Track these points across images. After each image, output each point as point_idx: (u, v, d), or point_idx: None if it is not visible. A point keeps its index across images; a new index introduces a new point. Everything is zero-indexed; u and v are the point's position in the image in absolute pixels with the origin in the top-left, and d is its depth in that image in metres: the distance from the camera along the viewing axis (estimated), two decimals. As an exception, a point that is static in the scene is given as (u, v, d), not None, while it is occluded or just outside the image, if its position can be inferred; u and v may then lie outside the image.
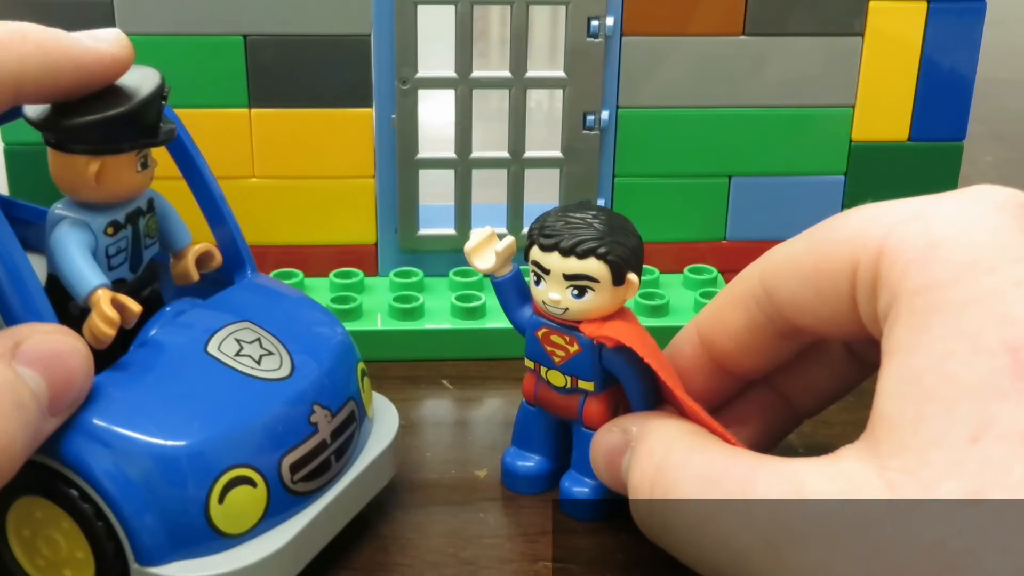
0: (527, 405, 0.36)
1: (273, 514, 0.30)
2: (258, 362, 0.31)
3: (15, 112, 0.32)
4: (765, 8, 0.45)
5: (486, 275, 0.35)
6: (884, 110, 0.47)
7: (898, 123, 0.48)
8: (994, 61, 0.62)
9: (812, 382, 0.35)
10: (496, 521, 0.35)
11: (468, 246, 0.34)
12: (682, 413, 0.33)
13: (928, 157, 0.48)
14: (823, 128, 0.47)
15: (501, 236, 0.35)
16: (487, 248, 0.34)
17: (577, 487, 0.35)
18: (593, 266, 0.32)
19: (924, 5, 0.46)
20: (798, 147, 0.48)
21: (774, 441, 0.36)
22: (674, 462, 0.29)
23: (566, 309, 0.33)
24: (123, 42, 0.30)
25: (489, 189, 0.49)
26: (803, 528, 0.25)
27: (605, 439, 0.33)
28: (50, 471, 0.28)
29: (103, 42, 0.30)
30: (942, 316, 0.25)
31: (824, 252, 0.29)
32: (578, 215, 0.32)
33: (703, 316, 0.34)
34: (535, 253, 0.33)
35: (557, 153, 0.47)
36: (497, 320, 0.45)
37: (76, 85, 0.29)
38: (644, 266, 0.48)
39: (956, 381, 0.24)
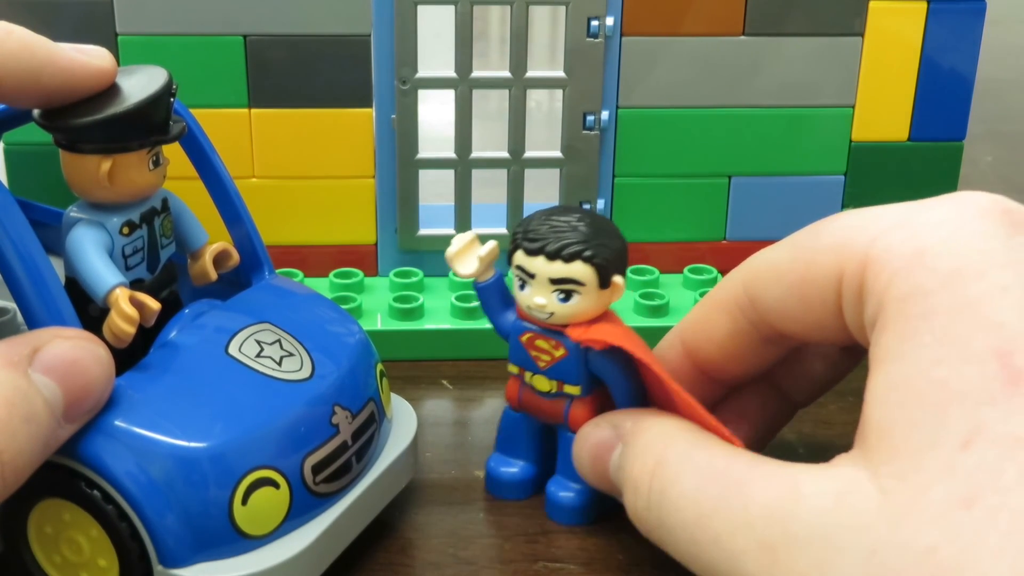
0: (510, 411, 0.36)
1: (296, 515, 0.30)
2: (279, 363, 0.31)
3: (23, 117, 0.32)
4: (765, 8, 0.45)
5: (468, 279, 0.35)
6: (884, 110, 0.47)
7: (898, 123, 0.48)
8: (994, 61, 0.62)
9: (807, 373, 0.35)
10: (496, 521, 0.35)
11: (450, 251, 0.34)
12: (670, 412, 0.33)
13: (928, 157, 0.48)
14: (823, 128, 0.47)
15: (485, 240, 0.34)
16: (469, 253, 0.34)
17: (563, 492, 0.35)
18: (579, 269, 0.32)
19: (924, 5, 0.46)
20: (798, 147, 0.48)
21: (772, 433, 0.36)
22: (675, 457, 0.29)
23: (552, 313, 0.32)
24: (106, 55, 0.30)
25: (489, 189, 0.49)
26: (799, 530, 0.25)
27: (592, 434, 0.33)
28: (73, 473, 0.28)
29: (87, 54, 0.30)
30: (930, 323, 0.25)
31: (808, 261, 0.29)
32: (562, 218, 0.32)
33: (686, 323, 0.34)
34: (519, 258, 0.32)
35: (557, 153, 0.47)
36: (497, 320, 0.45)
37: (57, 90, 0.29)
38: (644, 266, 0.48)
39: (946, 387, 0.24)
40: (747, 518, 0.26)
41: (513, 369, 0.35)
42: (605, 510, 0.35)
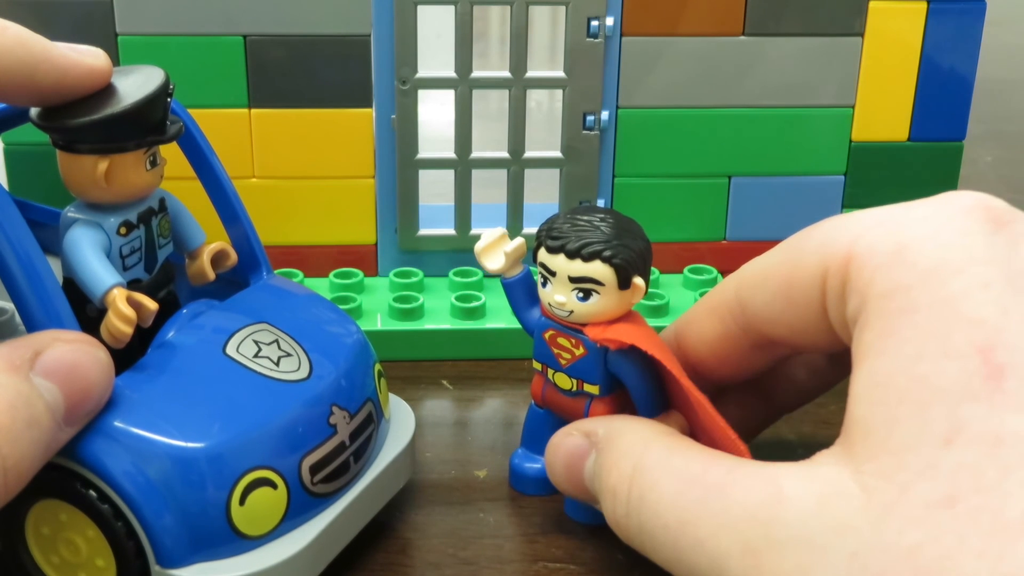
0: (535, 407, 0.36)
1: (293, 516, 0.30)
2: (276, 364, 0.31)
3: (22, 117, 0.32)
4: (765, 8, 0.45)
5: (496, 276, 0.35)
6: (884, 110, 0.47)
7: (898, 123, 0.48)
8: (994, 61, 0.62)
9: (792, 382, 0.35)
10: (496, 521, 0.35)
11: (479, 246, 0.34)
12: (688, 415, 0.33)
13: (928, 157, 0.48)
14: (823, 128, 0.47)
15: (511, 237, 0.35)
16: (497, 249, 0.34)
17: None
18: (598, 269, 0.32)
19: (924, 5, 0.46)
20: (798, 147, 0.48)
21: (751, 435, 0.36)
22: (652, 462, 0.29)
23: (571, 311, 0.33)
24: (101, 55, 0.30)
25: (489, 189, 0.49)
26: (781, 532, 0.25)
27: (564, 443, 0.33)
28: (69, 473, 0.28)
29: (81, 53, 0.30)
30: (911, 318, 0.25)
31: (795, 262, 0.29)
32: (586, 217, 0.32)
33: (682, 321, 0.35)
34: (542, 255, 0.33)
35: (557, 153, 0.47)
36: (497, 320, 0.45)
37: (52, 88, 0.29)
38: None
39: (927, 383, 0.24)
40: (729, 521, 0.26)
41: (537, 366, 0.35)
42: None
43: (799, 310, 0.29)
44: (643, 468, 0.29)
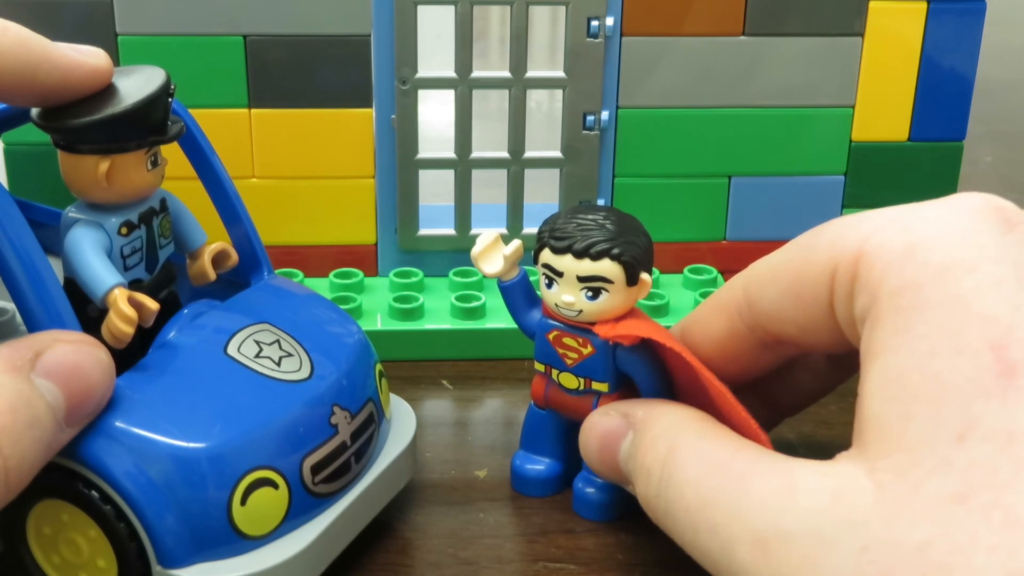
0: (535, 408, 0.36)
1: (295, 516, 0.30)
2: (278, 364, 0.31)
3: (23, 117, 0.32)
4: (765, 8, 0.45)
5: (493, 279, 0.35)
6: (884, 110, 0.47)
7: (898, 123, 0.48)
8: (994, 61, 0.62)
9: (793, 384, 0.36)
10: (496, 521, 0.35)
11: (475, 251, 0.34)
12: (702, 407, 0.33)
13: (928, 157, 0.48)
14: (823, 128, 0.47)
15: (505, 239, 0.34)
16: (494, 252, 0.34)
17: (590, 488, 0.35)
18: (607, 267, 0.32)
19: (924, 5, 0.46)
20: (798, 147, 0.48)
21: None
22: (684, 445, 0.29)
23: (580, 311, 0.33)
24: (102, 55, 0.30)
25: (489, 189, 0.49)
26: (792, 525, 0.25)
27: (601, 422, 0.33)
28: (71, 473, 0.28)
29: (82, 53, 0.30)
30: (924, 315, 0.25)
31: (804, 260, 0.29)
32: (588, 216, 0.32)
33: (689, 319, 0.35)
34: (546, 256, 0.33)
35: (557, 153, 0.47)
36: (497, 320, 0.45)
37: (53, 88, 0.29)
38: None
39: (940, 380, 0.24)
40: (742, 510, 0.26)
41: (539, 367, 0.35)
42: (630, 506, 0.34)
43: (807, 308, 0.29)
44: (676, 450, 0.29)
